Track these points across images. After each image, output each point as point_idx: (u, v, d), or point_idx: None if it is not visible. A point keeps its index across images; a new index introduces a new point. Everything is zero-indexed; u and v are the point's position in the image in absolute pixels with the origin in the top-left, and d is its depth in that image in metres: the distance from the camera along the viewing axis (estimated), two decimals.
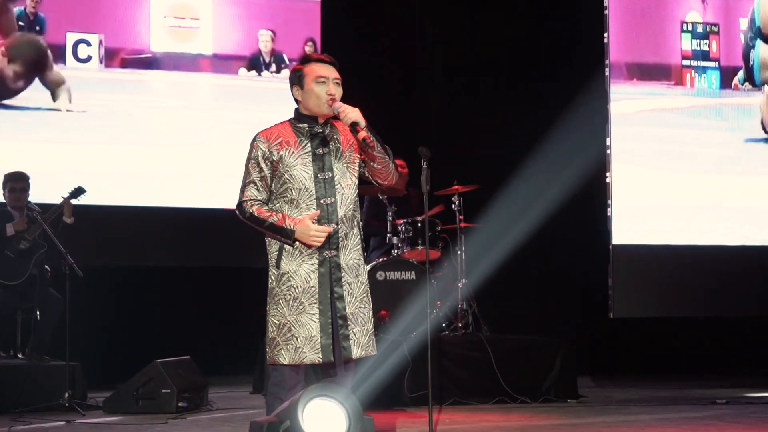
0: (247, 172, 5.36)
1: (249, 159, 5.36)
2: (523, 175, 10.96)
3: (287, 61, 9.68)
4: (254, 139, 5.38)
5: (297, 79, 5.42)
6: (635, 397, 9.72)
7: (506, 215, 10.89)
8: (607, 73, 11.21)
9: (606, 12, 11.28)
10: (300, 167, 5.31)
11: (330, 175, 5.33)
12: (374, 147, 5.31)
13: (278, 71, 9.47)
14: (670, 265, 11.34)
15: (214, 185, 10.74)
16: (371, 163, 5.40)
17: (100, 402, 8.76)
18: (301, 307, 5.27)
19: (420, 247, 9.67)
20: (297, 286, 5.28)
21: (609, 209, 11.20)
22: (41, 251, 9.06)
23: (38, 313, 9.09)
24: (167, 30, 8.98)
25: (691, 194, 11.42)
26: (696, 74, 11.40)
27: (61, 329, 8.65)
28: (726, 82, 11.56)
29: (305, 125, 5.40)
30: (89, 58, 8.69)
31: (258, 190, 5.33)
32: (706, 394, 9.75)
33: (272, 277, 5.35)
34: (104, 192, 10.37)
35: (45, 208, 9.01)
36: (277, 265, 5.32)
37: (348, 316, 5.31)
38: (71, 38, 8.57)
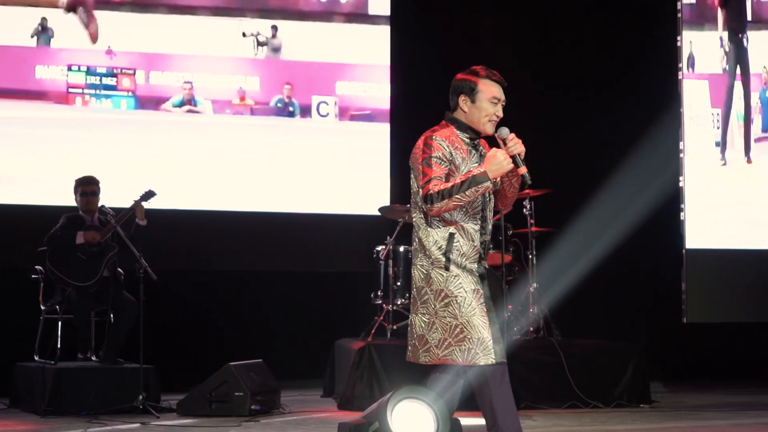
0: (428, 169, 5.27)
1: (430, 157, 5.29)
2: (595, 178, 10.88)
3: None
4: (432, 139, 5.33)
5: (469, 91, 5.43)
6: (708, 402, 9.64)
7: (578, 219, 10.82)
8: (680, 77, 11.14)
9: (679, 15, 11.22)
10: None
11: None
12: (527, 183, 5.34)
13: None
14: (743, 270, 11.24)
15: (290, 189, 10.91)
16: (506, 190, 5.44)
17: (174, 404, 8.80)
18: (471, 310, 5.29)
19: (492, 251, 9.61)
20: (467, 289, 5.31)
21: (682, 213, 11.12)
22: (112, 253, 9.10)
23: (112, 315, 9.13)
24: None
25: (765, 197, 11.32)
26: None
27: (135, 332, 8.66)
28: None
29: (470, 136, 5.43)
30: None
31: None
32: None
33: (439, 278, 5.34)
34: (178, 196, 10.57)
35: (118, 211, 9.06)
36: (446, 268, 5.32)
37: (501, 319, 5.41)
38: None
